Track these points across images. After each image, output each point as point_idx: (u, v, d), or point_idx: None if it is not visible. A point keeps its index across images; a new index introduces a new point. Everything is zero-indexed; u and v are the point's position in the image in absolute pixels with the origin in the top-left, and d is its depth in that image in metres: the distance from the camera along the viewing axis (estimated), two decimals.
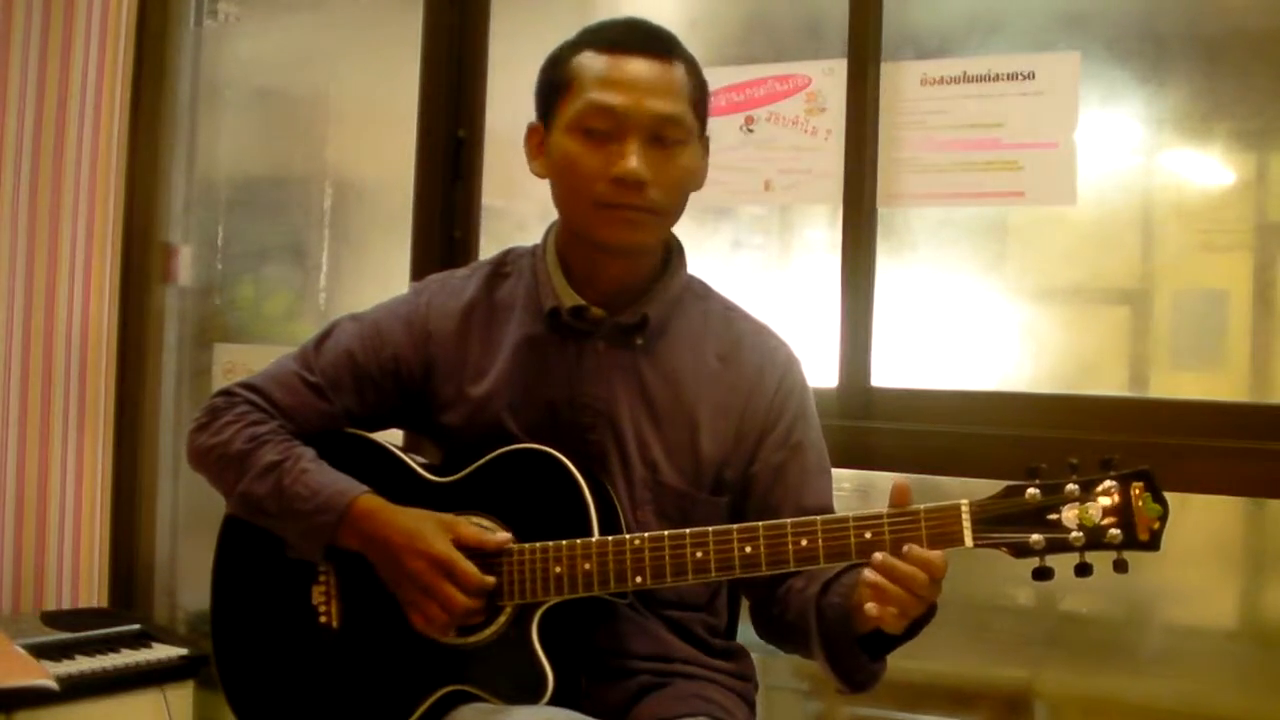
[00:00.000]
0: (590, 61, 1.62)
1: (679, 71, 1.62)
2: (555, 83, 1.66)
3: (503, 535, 1.59)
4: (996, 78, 2.35)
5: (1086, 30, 2.30)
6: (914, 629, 1.49)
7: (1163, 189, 2.34)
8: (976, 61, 2.37)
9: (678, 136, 1.61)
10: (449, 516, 1.61)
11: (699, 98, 1.66)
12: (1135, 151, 2.34)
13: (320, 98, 3.21)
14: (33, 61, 3.16)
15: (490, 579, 1.56)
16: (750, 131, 2.56)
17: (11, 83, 3.14)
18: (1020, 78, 2.32)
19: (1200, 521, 2.24)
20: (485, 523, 1.62)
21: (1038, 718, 2.44)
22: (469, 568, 1.56)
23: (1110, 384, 2.38)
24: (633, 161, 1.57)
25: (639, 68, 1.61)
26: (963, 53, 2.39)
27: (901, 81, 2.42)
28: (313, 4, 3.23)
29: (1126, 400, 2.31)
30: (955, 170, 2.38)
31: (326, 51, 3.16)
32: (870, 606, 1.43)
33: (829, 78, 2.48)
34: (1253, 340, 2.25)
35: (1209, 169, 2.30)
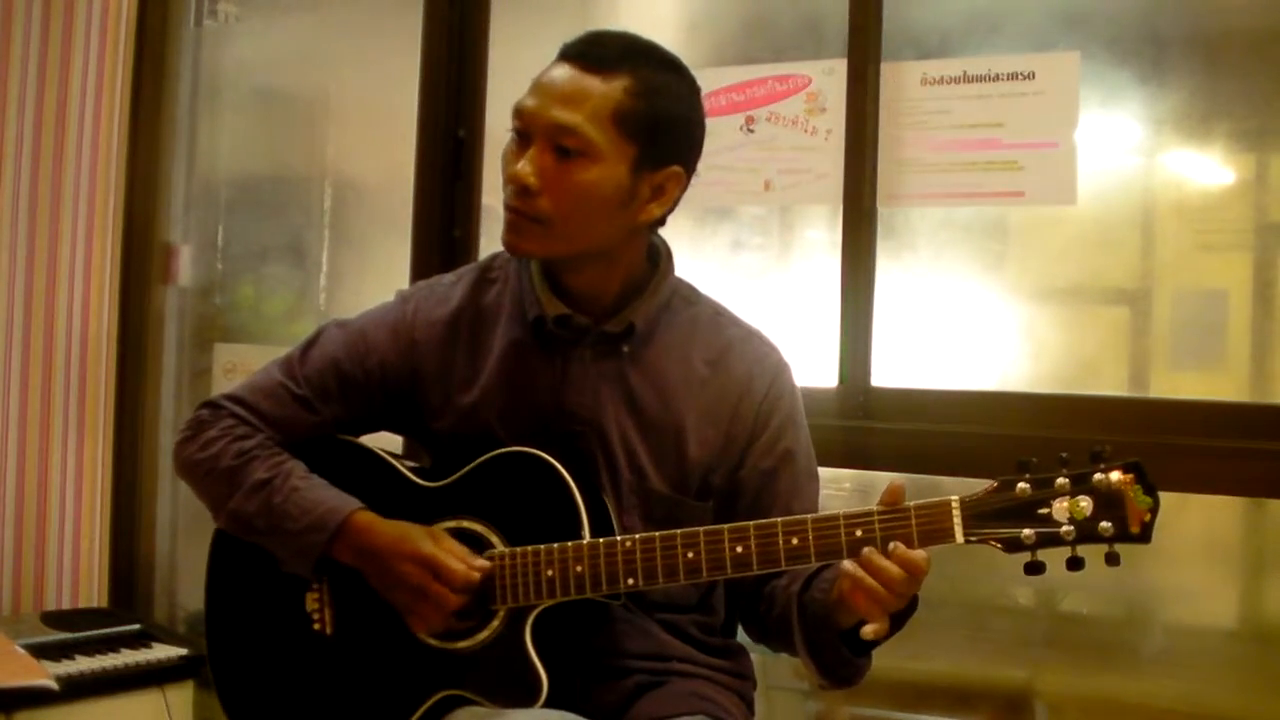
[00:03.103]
0: (545, 68, 1.62)
1: (605, 86, 1.56)
2: None
3: (482, 561, 1.58)
4: (996, 78, 2.34)
5: (1086, 30, 2.30)
6: (896, 625, 1.49)
7: (1162, 189, 2.35)
8: (976, 61, 2.37)
9: (577, 148, 1.55)
10: (436, 529, 1.61)
11: (637, 120, 1.56)
12: (1135, 151, 2.34)
13: (320, 98, 3.21)
14: (33, 61, 3.16)
15: (475, 574, 1.56)
16: (750, 131, 2.55)
17: (11, 83, 3.14)
18: (1020, 78, 2.32)
19: (1200, 521, 2.24)
20: (477, 528, 1.62)
21: (1038, 718, 2.44)
22: (454, 564, 1.56)
23: (1110, 384, 2.38)
24: (522, 165, 1.56)
25: (557, 73, 1.59)
26: (963, 53, 2.39)
27: (901, 81, 2.42)
28: (313, 4, 3.23)
29: (1126, 400, 2.31)
30: (955, 170, 2.38)
31: (326, 51, 3.16)
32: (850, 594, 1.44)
33: (829, 78, 2.48)
34: (1252, 340, 2.25)
35: (1209, 169, 2.30)
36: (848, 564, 1.45)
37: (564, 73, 1.58)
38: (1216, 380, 2.29)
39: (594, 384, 1.66)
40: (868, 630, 1.44)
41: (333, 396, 1.72)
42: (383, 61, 3.05)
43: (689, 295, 1.76)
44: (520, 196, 1.57)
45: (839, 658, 1.56)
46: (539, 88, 1.59)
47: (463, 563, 1.57)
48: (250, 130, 3.29)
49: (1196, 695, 2.31)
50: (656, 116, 1.58)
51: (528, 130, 1.58)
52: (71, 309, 3.18)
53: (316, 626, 1.69)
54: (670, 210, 1.65)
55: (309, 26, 3.20)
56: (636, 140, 1.57)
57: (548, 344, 1.67)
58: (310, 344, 1.75)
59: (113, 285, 3.21)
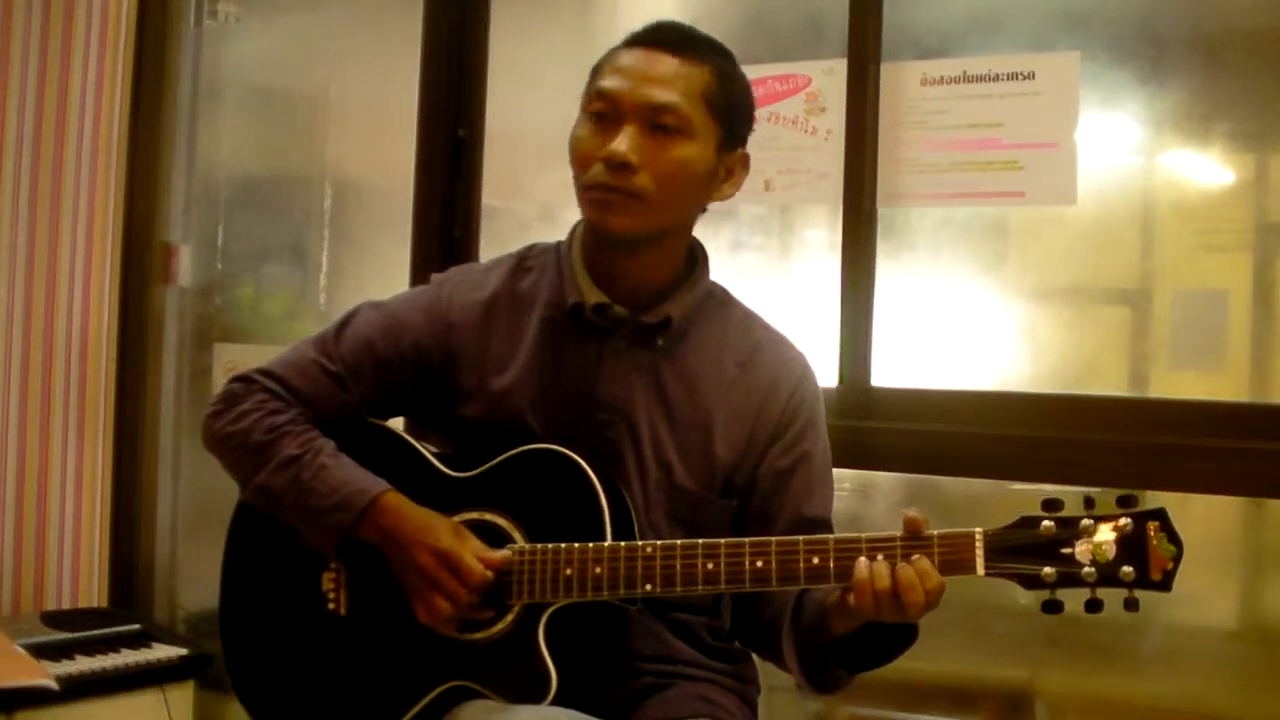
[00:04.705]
0: (610, 54, 1.67)
1: (693, 69, 1.63)
2: (590, 76, 1.69)
3: (503, 553, 1.59)
4: (996, 78, 2.35)
5: (1086, 30, 2.30)
6: (892, 651, 1.52)
7: (1162, 189, 2.35)
8: (976, 61, 2.37)
9: (676, 125, 1.61)
10: (462, 526, 1.62)
11: (722, 103, 1.65)
12: (1135, 152, 2.34)
13: (320, 98, 3.20)
14: (33, 61, 3.16)
15: (490, 574, 1.57)
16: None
17: (11, 83, 3.14)
18: (1020, 78, 2.32)
19: (1200, 521, 2.24)
20: (499, 521, 1.63)
21: (1038, 718, 2.44)
22: (473, 564, 1.56)
23: (1110, 384, 2.38)
24: (619, 142, 1.59)
25: (643, 57, 1.63)
26: (963, 53, 2.39)
27: (901, 81, 2.42)
28: (313, 4, 3.23)
29: (1126, 400, 2.31)
30: (955, 170, 2.38)
31: (326, 51, 3.16)
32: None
33: (829, 78, 2.48)
34: (1253, 340, 2.25)
35: (1208, 169, 2.30)
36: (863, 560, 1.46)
37: (649, 56, 1.63)
38: (1216, 380, 2.29)
39: (626, 374, 1.68)
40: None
41: (365, 376, 1.72)
42: (383, 61, 3.05)
43: (722, 297, 1.79)
44: (617, 173, 1.60)
45: (823, 661, 1.57)
46: (623, 71, 1.63)
47: (480, 562, 1.57)
48: (250, 130, 3.29)
49: (1196, 695, 2.31)
50: (733, 102, 1.67)
51: (617, 111, 1.61)
52: (71, 309, 3.18)
53: (331, 606, 1.69)
54: (736, 192, 1.72)
55: (309, 26, 3.19)
56: (721, 122, 1.65)
57: (584, 331, 1.69)
58: (344, 323, 1.76)
59: (113, 285, 3.21)
